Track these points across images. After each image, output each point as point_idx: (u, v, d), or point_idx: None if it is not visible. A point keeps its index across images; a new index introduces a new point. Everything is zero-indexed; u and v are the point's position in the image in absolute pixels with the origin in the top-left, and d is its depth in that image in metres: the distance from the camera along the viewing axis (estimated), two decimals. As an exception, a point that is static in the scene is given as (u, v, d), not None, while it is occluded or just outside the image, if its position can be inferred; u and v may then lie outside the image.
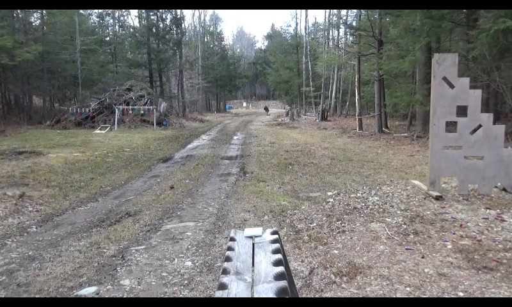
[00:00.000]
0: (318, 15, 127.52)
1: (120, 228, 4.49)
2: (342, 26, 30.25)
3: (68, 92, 27.17)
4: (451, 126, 5.26)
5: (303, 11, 36.26)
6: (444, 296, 2.69)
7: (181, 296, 2.95)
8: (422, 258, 3.29)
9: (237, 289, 1.15)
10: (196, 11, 44.87)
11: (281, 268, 1.23)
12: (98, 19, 35.51)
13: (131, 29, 32.56)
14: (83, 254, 3.76)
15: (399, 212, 4.48)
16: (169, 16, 29.64)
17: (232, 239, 1.47)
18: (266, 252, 1.36)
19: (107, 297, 2.95)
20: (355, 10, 21.13)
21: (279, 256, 1.31)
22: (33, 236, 4.33)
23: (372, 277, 2.98)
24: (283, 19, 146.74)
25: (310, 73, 31.79)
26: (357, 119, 18.02)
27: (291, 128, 20.26)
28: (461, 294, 2.71)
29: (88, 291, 3.03)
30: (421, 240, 3.65)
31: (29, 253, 3.81)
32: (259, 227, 1.61)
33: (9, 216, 4.92)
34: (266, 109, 44.40)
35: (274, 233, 1.52)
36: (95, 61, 25.93)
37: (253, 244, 1.44)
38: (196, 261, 3.57)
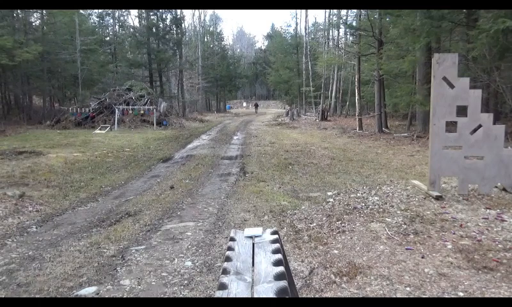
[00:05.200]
0: (318, 15, 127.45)
1: (120, 228, 4.49)
2: (342, 26, 30.29)
3: (68, 92, 27.14)
4: (451, 126, 5.26)
5: (303, 11, 36.28)
6: (444, 296, 2.69)
7: (181, 296, 2.95)
8: (422, 258, 3.29)
9: (237, 289, 1.15)
10: (196, 11, 44.88)
11: (281, 268, 1.23)
12: (98, 19, 35.46)
13: (131, 29, 32.57)
14: (83, 254, 3.76)
15: (399, 212, 4.48)
16: (169, 16, 29.64)
17: (232, 239, 1.47)
18: (266, 252, 1.36)
19: (107, 297, 2.95)
20: (355, 10, 21.13)
21: (279, 256, 1.31)
22: (33, 236, 4.33)
23: (372, 277, 2.98)
24: (283, 19, 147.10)
25: (310, 73, 31.79)
26: (357, 119, 18.02)
27: (291, 128, 20.26)
28: (461, 294, 2.71)
29: (88, 291, 3.03)
30: (421, 240, 3.65)
31: (29, 253, 3.81)
32: (259, 227, 1.61)
33: (9, 216, 4.92)
34: (256, 106, 45.48)
35: (274, 233, 1.52)
36: (95, 61, 25.89)
37: (253, 244, 1.44)
38: (196, 261, 3.57)
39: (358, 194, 5.43)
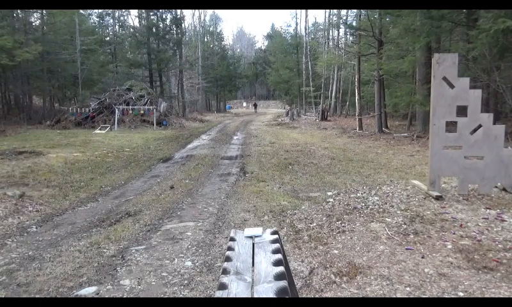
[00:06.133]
0: (318, 15, 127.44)
1: (120, 228, 4.49)
2: (342, 26, 30.31)
3: (68, 92, 27.13)
4: (451, 126, 5.26)
5: (303, 11, 36.29)
6: (444, 296, 2.69)
7: (181, 296, 2.95)
8: (422, 258, 3.29)
9: (237, 289, 1.15)
10: (196, 11, 44.86)
11: (281, 268, 1.23)
12: (98, 19, 35.46)
13: (131, 29, 32.56)
14: (83, 254, 3.76)
15: (399, 212, 4.48)
16: (169, 16, 29.63)
17: (232, 239, 1.47)
18: (266, 252, 1.36)
19: (107, 297, 2.95)
20: (355, 10, 21.14)
21: (279, 256, 1.31)
22: (33, 236, 4.33)
23: (372, 277, 2.98)
24: (283, 19, 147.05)
25: (310, 73, 31.79)
26: (357, 119, 18.02)
27: (291, 128, 20.26)
28: (461, 294, 2.71)
29: (88, 291, 3.03)
30: (421, 240, 3.65)
31: (29, 253, 3.81)
32: (259, 227, 1.61)
33: (9, 216, 4.92)
34: (255, 105, 47.69)
35: (274, 233, 1.52)
36: (95, 61, 25.88)
37: (253, 244, 1.44)
38: (196, 261, 3.57)
39: (358, 194, 5.43)
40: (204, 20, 48.44)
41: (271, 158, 9.75)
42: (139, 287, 3.09)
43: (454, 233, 3.77)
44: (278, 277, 1.18)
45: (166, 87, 30.44)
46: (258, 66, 67.20)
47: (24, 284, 3.15)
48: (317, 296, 2.83)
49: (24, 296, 2.98)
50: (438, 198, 4.84)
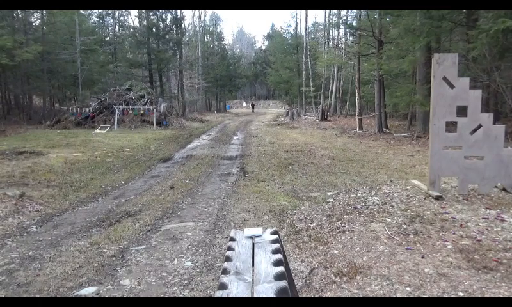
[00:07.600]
0: (318, 15, 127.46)
1: (119, 228, 4.49)
2: (342, 26, 30.30)
3: (68, 92, 27.13)
4: (451, 126, 5.26)
5: (303, 11, 36.28)
6: (444, 296, 2.69)
7: (181, 296, 2.95)
8: (422, 258, 3.29)
9: (237, 289, 1.15)
10: (196, 11, 44.86)
11: (281, 268, 1.23)
12: (98, 19, 35.47)
13: (131, 29, 32.56)
14: (83, 254, 3.76)
15: (399, 212, 4.48)
16: (169, 16, 29.64)
17: (232, 239, 1.47)
18: (266, 252, 1.36)
19: (107, 297, 2.95)
20: (355, 10, 21.14)
21: (279, 256, 1.31)
22: (33, 236, 4.33)
23: (372, 277, 2.98)
24: (283, 19, 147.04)
25: (310, 73, 31.78)
26: (357, 119, 18.02)
27: (291, 128, 20.26)
28: (461, 294, 2.71)
29: (88, 291, 3.03)
30: (421, 240, 3.65)
31: (29, 253, 3.81)
32: (259, 227, 1.61)
33: (9, 216, 4.92)
34: (252, 106, 50.31)
35: (274, 233, 1.52)
36: (95, 61, 25.89)
37: (253, 244, 1.44)
38: (196, 261, 3.57)
39: (358, 194, 5.43)
40: (204, 20, 48.49)
41: (271, 158, 9.75)
42: (139, 287, 3.09)
43: (454, 233, 3.77)
44: (278, 277, 1.18)
45: (166, 87, 30.43)
46: (258, 66, 67.19)
47: (24, 284, 3.15)
48: (317, 296, 2.83)
49: (24, 296, 2.98)
50: (438, 198, 4.84)
